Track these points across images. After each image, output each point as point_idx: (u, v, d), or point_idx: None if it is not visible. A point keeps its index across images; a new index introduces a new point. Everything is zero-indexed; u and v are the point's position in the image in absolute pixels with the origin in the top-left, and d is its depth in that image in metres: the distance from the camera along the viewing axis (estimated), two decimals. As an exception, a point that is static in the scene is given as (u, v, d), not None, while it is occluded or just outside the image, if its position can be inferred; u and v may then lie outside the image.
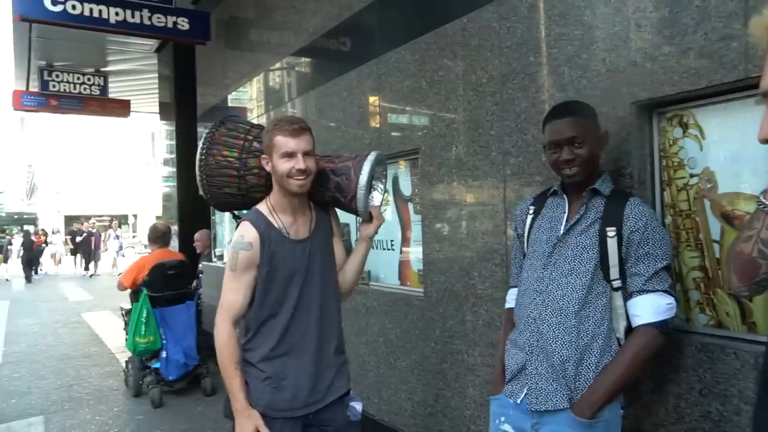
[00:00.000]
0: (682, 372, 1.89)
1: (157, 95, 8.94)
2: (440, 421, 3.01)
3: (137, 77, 9.86)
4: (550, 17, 2.34)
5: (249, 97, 5.83)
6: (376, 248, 3.80)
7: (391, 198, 3.66)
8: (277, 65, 5.01)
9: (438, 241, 3.03)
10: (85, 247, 19.88)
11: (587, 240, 1.79)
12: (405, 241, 3.56)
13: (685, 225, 2.00)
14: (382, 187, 2.28)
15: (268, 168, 2.01)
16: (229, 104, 6.23)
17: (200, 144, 2.15)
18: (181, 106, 7.41)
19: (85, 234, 20.00)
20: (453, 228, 2.93)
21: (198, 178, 2.16)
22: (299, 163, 1.94)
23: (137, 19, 5.04)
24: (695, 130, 1.97)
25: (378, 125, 3.54)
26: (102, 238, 21.80)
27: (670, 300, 1.72)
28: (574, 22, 2.23)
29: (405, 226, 3.55)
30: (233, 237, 2.03)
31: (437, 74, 3.00)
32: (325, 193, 2.12)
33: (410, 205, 3.49)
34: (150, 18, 5.10)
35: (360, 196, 2.05)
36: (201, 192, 2.20)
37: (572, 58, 2.24)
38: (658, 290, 1.71)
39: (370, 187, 2.08)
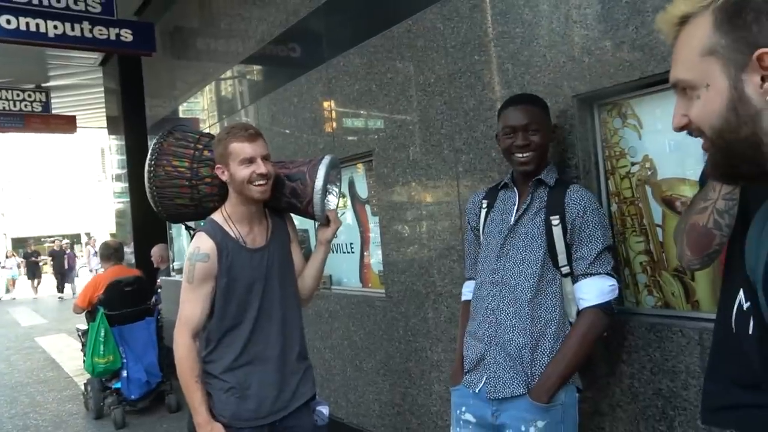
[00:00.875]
0: (633, 353, 1.96)
1: (104, 109, 8.71)
2: (408, 420, 3.04)
3: (82, 92, 9.59)
4: (492, 16, 2.40)
5: (201, 107, 5.76)
6: (336, 252, 3.81)
7: (348, 201, 3.68)
8: (227, 74, 4.97)
9: (396, 242, 3.06)
10: (59, 268, 18.82)
11: (534, 229, 1.86)
12: (365, 243, 3.57)
13: (629, 211, 2.09)
14: (337, 190, 2.28)
15: (224, 177, 1.99)
16: (181, 115, 6.13)
17: (149, 155, 2.12)
18: (130, 120, 7.25)
19: (56, 253, 18.95)
20: (410, 227, 2.97)
21: (148, 190, 2.12)
22: (260, 167, 1.93)
23: (77, 32, 4.89)
24: (633, 120, 2.05)
25: (331, 130, 3.55)
26: (80, 256, 20.67)
27: (612, 282, 1.79)
28: (514, 21, 2.30)
29: (364, 229, 3.57)
30: (189, 248, 2.00)
31: (386, 76, 3.03)
32: (281, 199, 2.10)
33: (368, 207, 3.51)
34: (91, 30, 4.97)
35: (317, 201, 2.05)
36: (152, 204, 2.16)
37: (515, 55, 2.30)
38: (600, 273, 1.79)
39: (325, 191, 2.09)
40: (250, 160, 1.93)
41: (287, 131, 3.98)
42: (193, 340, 1.95)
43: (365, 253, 3.58)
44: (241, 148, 1.93)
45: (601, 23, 1.99)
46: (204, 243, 1.96)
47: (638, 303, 2.08)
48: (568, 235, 1.82)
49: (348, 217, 3.67)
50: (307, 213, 2.11)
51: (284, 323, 2.07)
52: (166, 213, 2.18)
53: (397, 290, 3.06)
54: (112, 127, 8.09)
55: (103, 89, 8.58)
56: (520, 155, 1.88)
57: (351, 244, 3.68)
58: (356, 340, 3.40)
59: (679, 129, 0.84)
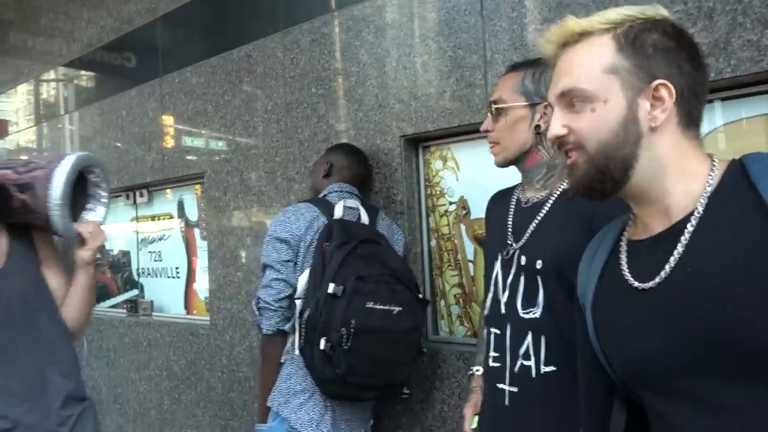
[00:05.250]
0: (445, 380, 2.10)
1: None
2: (227, 453, 2.92)
3: None
4: (330, 53, 2.48)
5: (12, 109, 5.13)
6: (160, 276, 3.59)
7: (177, 223, 3.50)
8: (46, 75, 4.51)
9: (224, 267, 2.97)
10: None
11: None
12: (191, 268, 3.41)
13: (447, 247, 2.25)
14: (105, 195, 1.82)
15: None
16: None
17: None
18: None
19: None
20: (239, 254, 2.90)
21: None
22: None
23: None
24: (452, 163, 2.23)
25: (161, 147, 3.37)
26: None
27: (254, 303, 1.92)
28: (351, 59, 2.39)
29: (191, 253, 3.41)
30: None
31: (223, 98, 2.97)
32: (12, 215, 1.64)
33: (197, 231, 3.37)
34: None
35: (55, 217, 1.59)
36: None
37: (349, 92, 2.40)
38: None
39: (68, 203, 1.63)
40: None
41: (112, 144, 3.70)
42: None
43: (191, 279, 3.42)
44: None
45: (428, 72, 2.15)
46: None
47: (451, 332, 2.24)
48: None
49: (175, 240, 3.49)
50: (49, 230, 1.68)
51: (34, 367, 1.62)
52: None
53: (222, 318, 2.96)
54: None
55: None
56: None
57: (177, 268, 3.50)
58: (176, 371, 3.21)
59: (556, 138, 0.87)
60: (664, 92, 0.81)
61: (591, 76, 0.84)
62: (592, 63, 0.84)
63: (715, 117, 1.70)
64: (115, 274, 4.01)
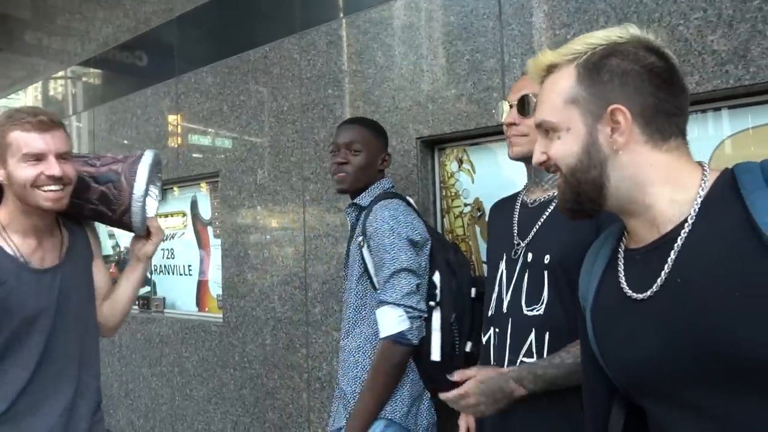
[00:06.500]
0: (458, 379, 2.12)
1: None
2: (238, 450, 2.95)
3: None
4: (348, 54, 2.51)
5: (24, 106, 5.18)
6: (172, 274, 3.63)
7: (189, 221, 3.53)
8: (60, 74, 4.55)
9: (238, 266, 3.00)
10: None
11: (353, 255, 1.83)
12: (204, 266, 3.45)
13: (461, 248, 2.27)
14: (156, 192, 1.87)
15: None
16: (-3, 112, 5.46)
17: None
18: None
19: None
20: (253, 252, 2.93)
21: None
22: (52, 167, 1.47)
23: None
24: (468, 165, 2.26)
25: (176, 146, 3.41)
26: None
27: (401, 312, 1.66)
28: (368, 61, 2.42)
29: (204, 251, 3.45)
30: None
31: (239, 98, 3.00)
32: (85, 206, 1.68)
33: (209, 229, 3.40)
34: None
35: (136, 209, 1.67)
36: None
37: (366, 93, 2.43)
38: (389, 302, 1.67)
39: (146, 196, 1.71)
40: (39, 157, 1.47)
41: (127, 143, 3.74)
42: None
43: (203, 277, 3.45)
44: (27, 139, 1.46)
45: (445, 75, 2.18)
46: None
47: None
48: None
49: (187, 238, 3.53)
50: (121, 224, 1.72)
51: (81, 367, 1.62)
52: None
53: (235, 315, 2.99)
54: None
55: None
56: (335, 173, 1.84)
57: (189, 266, 3.53)
58: (188, 367, 3.25)
59: (538, 164, 0.94)
60: (619, 116, 0.84)
61: (555, 107, 0.89)
62: (557, 95, 0.89)
63: (724, 125, 1.72)
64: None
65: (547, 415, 1.28)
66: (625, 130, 0.84)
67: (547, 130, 0.91)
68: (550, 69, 0.92)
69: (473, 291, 1.81)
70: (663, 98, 0.85)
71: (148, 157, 1.70)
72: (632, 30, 0.87)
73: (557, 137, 0.89)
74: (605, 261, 0.96)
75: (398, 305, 1.66)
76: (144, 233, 1.76)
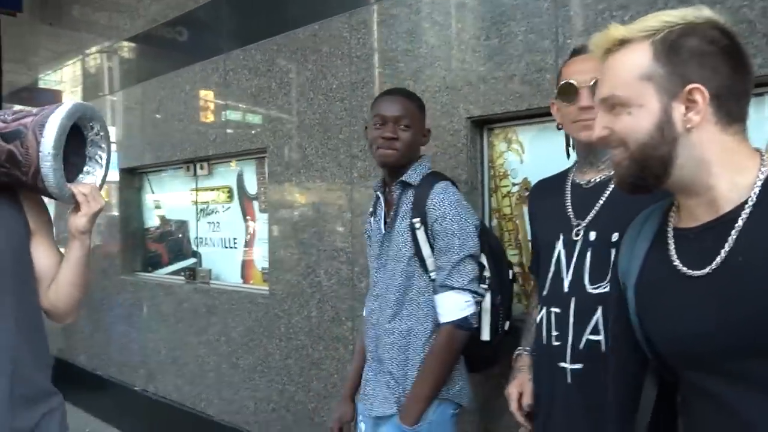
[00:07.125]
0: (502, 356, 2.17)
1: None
2: (283, 416, 3.07)
3: None
4: (398, 33, 2.53)
5: (72, 79, 5.32)
6: (217, 246, 3.74)
7: (236, 195, 3.63)
8: (108, 49, 4.66)
9: (284, 240, 3.09)
10: None
11: (401, 236, 1.78)
12: (249, 239, 3.55)
13: (507, 227, 2.31)
14: (103, 156, 1.57)
15: None
16: (42, 86, 5.64)
17: None
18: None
19: None
20: (300, 227, 3.01)
21: None
22: None
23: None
24: (517, 145, 2.28)
25: (224, 121, 3.49)
26: None
27: (468, 297, 1.69)
28: (419, 41, 2.45)
29: (249, 224, 3.55)
30: None
31: (287, 76, 3.06)
32: None
33: (255, 204, 3.49)
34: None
35: (46, 171, 1.37)
36: None
37: (416, 73, 2.45)
38: (455, 287, 1.69)
39: (61, 155, 1.40)
40: None
41: (175, 118, 3.84)
42: None
43: (248, 249, 3.55)
44: None
45: (498, 55, 2.19)
46: None
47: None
48: (431, 240, 1.73)
49: (234, 211, 3.63)
50: (38, 189, 1.44)
51: (8, 352, 1.39)
52: None
53: (281, 288, 3.09)
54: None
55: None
56: (384, 149, 1.75)
57: (234, 239, 3.64)
58: (234, 337, 3.37)
59: (599, 139, 0.95)
60: (697, 96, 0.86)
61: (627, 83, 0.90)
62: (629, 71, 0.90)
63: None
64: (169, 242, 4.19)
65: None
66: (701, 110, 0.87)
67: (613, 105, 0.92)
68: (622, 43, 0.92)
69: (510, 273, 1.88)
70: (737, 80, 0.88)
71: (64, 107, 1.41)
72: (706, 12, 0.89)
73: (627, 113, 0.90)
74: (649, 238, 0.99)
75: (465, 290, 1.70)
76: (69, 201, 1.47)
